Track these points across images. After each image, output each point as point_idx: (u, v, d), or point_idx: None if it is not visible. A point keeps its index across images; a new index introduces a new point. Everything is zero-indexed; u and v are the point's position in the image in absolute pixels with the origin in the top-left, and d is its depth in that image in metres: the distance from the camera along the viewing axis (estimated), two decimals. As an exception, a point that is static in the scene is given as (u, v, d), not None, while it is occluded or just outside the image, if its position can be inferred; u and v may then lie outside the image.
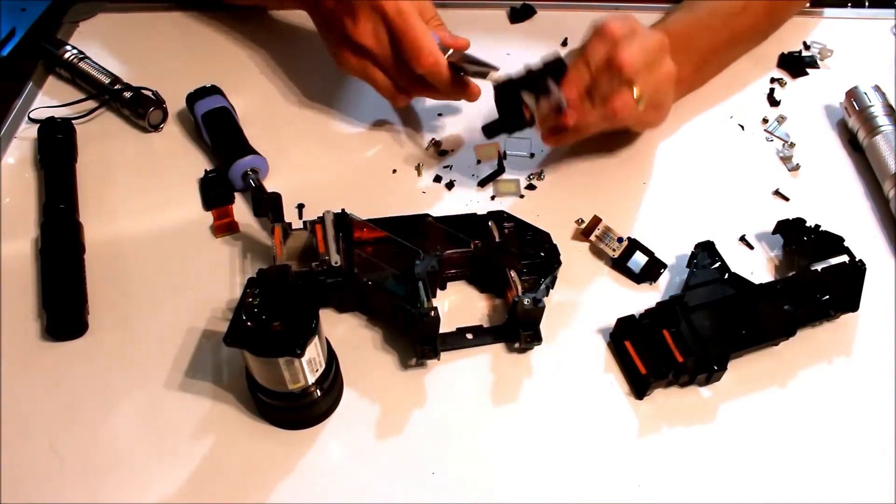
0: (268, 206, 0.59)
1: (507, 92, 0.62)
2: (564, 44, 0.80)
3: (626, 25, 0.60)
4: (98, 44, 0.78)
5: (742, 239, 0.65)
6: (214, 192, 0.65)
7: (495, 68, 0.63)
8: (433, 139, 0.71)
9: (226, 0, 0.81)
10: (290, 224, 0.58)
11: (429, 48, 0.62)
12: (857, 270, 0.58)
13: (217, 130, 0.67)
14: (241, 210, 0.65)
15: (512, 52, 0.76)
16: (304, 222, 0.58)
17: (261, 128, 0.70)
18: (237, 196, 0.66)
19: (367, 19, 0.63)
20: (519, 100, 0.62)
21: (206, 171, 0.67)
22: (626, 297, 0.60)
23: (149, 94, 0.71)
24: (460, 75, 0.65)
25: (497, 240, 0.59)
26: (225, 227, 0.63)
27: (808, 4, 0.85)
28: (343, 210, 0.58)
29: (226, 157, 0.65)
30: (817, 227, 0.61)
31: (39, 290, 0.58)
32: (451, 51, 0.64)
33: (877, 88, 0.71)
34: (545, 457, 0.52)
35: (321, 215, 0.58)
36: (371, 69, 0.66)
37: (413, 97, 0.69)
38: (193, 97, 0.69)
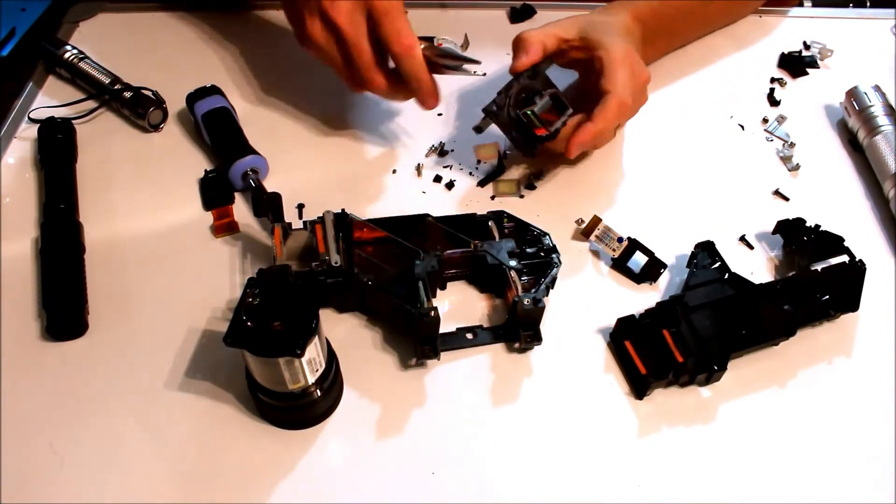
0: (268, 206, 0.59)
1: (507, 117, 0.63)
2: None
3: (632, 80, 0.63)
4: (98, 44, 0.78)
5: (742, 239, 0.65)
6: (214, 192, 0.65)
7: (476, 62, 0.63)
8: (433, 140, 0.71)
9: None
10: (290, 224, 0.58)
11: (407, 31, 0.61)
12: (857, 270, 0.58)
13: (217, 130, 0.67)
14: (241, 210, 0.65)
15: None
16: (304, 222, 0.58)
17: (261, 128, 0.70)
18: (237, 196, 0.66)
19: None
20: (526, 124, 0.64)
21: (206, 171, 0.67)
22: (626, 297, 0.60)
23: (149, 94, 0.71)
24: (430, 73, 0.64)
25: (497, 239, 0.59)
26: (225, 227, 0.63)
27: (810, 4, 0.85)
28: (343, 210, 0.58)
29: (226, 157, 0.65)
30: (817, 227, 0.61)
31: (39, 290, 0.58)
32: (425, 44, 0.63)
33: (877, 88, 0.71)
34: (545, 457, 0.52)
35: (321, 215, 0.58)
36: (334, 50, 0.63)
37: (368, 90, 0.66)
38: (193, 97, 0.69)
